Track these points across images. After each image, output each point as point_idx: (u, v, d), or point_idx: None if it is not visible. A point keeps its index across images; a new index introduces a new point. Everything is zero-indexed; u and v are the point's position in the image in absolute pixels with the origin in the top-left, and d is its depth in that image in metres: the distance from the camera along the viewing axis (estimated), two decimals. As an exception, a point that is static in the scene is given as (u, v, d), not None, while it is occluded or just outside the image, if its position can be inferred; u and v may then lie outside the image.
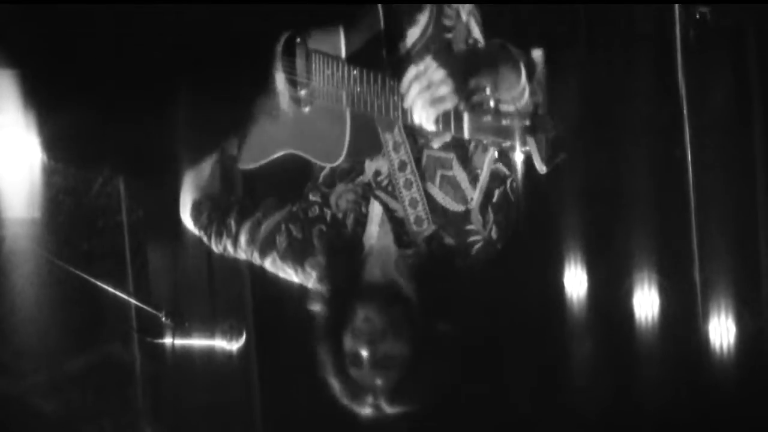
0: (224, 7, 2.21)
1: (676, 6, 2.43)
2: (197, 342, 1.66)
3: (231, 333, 1.76)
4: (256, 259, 1.79)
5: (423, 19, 1.91)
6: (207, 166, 2.00)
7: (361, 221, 1.78)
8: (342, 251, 1.74)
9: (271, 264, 1.78)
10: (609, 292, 1.74)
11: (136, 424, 1.59)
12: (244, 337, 1.77)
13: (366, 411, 1.59)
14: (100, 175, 2.27)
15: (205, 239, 1.86)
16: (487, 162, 1.62)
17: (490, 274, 1.68)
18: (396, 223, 1.74)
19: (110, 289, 1.73)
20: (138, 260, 1.94)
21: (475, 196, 1.66)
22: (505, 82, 1.60)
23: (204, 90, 2.24)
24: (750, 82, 2.46)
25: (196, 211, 1.90)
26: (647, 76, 2.59)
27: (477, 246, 1.67)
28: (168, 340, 1.72)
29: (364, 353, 1.59)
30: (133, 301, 1.73)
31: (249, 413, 1.86)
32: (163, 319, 1.71)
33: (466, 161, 1.72)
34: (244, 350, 1.67)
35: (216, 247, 1.83)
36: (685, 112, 2.31)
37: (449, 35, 1.89)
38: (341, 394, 1.60)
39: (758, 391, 1.72)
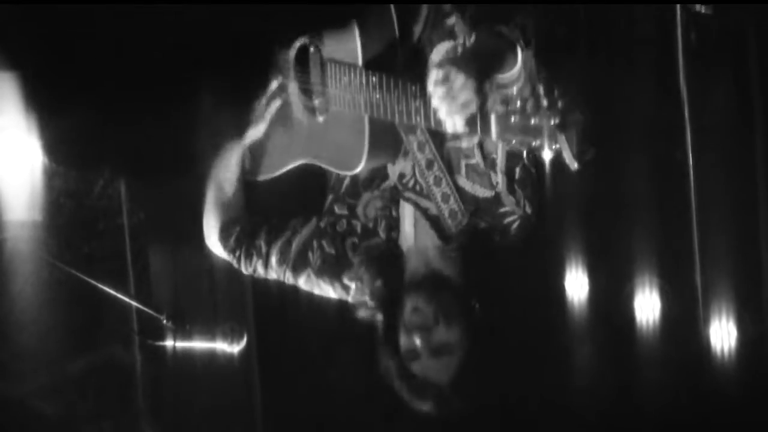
0: (230, 7, 2.21)
1: (678, 7, 2.43)
2: (198, 344, 1.66)
3: (232, 335, 1.76)
4: (288, 278, 1.80)
5: (424, 10, 1.92)
6: (229, 188, 1.99)
7: (394, 226, 1.79)
8: (382, 260, 1.75)
9: (305, 282, 1.79)
10: (612, 295, 1.72)
11: (136, 425, 1.60)
12: (245, 339, 1.77)
13: (432, 407, 1.61)
14: (100, 178, 2.27)
15: (234, 263, 1.86)
16: (500, 145, 1.63)
17: (530, 252, 1.71)
18: (431, 220, 1.76)
19: (111, 292, 1.73)
20: (139, 263, 1.93)
21: (498, 179, 1.67)
22: (507, 68, 1.61)
23: (206, 94, 2.25)
24: (752, 83, 2.47)
25: (224, 233, 1.90)
26: (648, 78, 2.60)
27: (515, 225, 1.69)
28: (169, 343, 1.72)
29: (420, 344, 1.60)
30: (134, 303, 1.73)
31: (249, 415, 1.86)
32: (164, 321, 1.71)
33: (481, 148, 1.74)
34: (245, 353, 1.66)
35: (246, 269, 1.84)
36: (686, 114, 2.32)
37: (450, 20, 1.89)
38: (407, 393, 1.62)
39: (759, 396, 1.71)
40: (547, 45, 1.71)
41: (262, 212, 1.96)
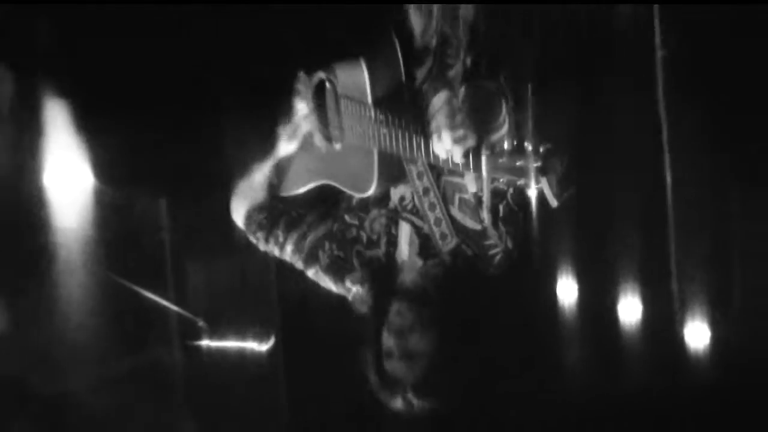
0: (261, 41, 2.25)
1: (657, 27, 2.45)
2: (231, 344, 1.72)
3: (261, 336, 1.82)
4: (299, 266, 1.89)
5: (429, 60, 2.01)
6: (258, 179, 2.06)
7: (393, 242, 1.88)
8: (379, 270, 1.83)
9: (313, 275, 1.87)
10: (597, 298, 1.76)
11: (177, 414, 1.64)
12: (272, 339, 1.82)
13: (398, 404, 1.65)
14: (143, 196, 2.33)
15: (254, 241, 1.95)
16: (485, 184, 1.69)
17: (509, 281, 1.73)
18: (423, 238, 1.84)
19: (154, 298, 1.81)
20: (178, 272, 2.02)
21: (485, 216, 1.73)
22: (495, 116, 1.71)
23: (238, 119, 2.29)
24: (726, 101, 2.46)
25: (249, 218, 1.99)
26: (626, 124, 2.62)
27: (498, 257, 1.77)
28: (205, 342, 1.79)
29: (395, 345, 1.68)
30: (174, 308, 1.85)
31: (277, 408, 1.87)
32: (200, 324, 1.78)
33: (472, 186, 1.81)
34: (273, 350, 1.74)
35: (263, 248, 1.93)
36: (664, 131, 2.34)
37: (451, 72, 1.98)
38: (378, 388, 1.68)
39: (730, 389, 1.72)
40: (532, 97, 1.79)
41: (284, 204, 2.02)
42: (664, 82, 2.55)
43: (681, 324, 1.67)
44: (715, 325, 1.60)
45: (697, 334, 1.64)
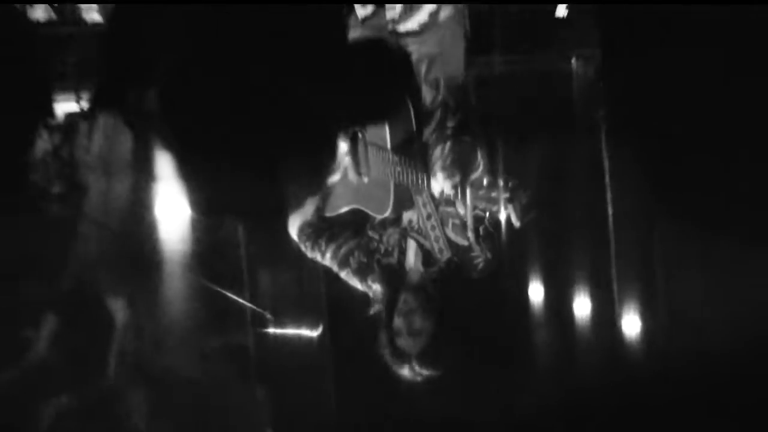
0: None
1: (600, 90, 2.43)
2: (289, 331, 1.73)
3: (312, 324, 1.82)
4: (335, 269, 1.92)
5: (434, 121, 2.06)
6: (310, 205, 2.10)
7: (403, 252, 1.92)
8: (393, 273, 1.87)
9: (345, 276, 1.90)
10: (552, 295, 1.74)
11: (250, 382, 1.60)
12: (321, 326, 1.82)
13: (405, 372, 1.68)
14: (226, 221, 2.33)
15: (303, 249, 1.97)
16: (468, 213, 1.73)
17: (487, 282, 1.73)
18: (425, 251, 1.90)
19: (233, 296, 1.82)
20: (252, 278, 2.04)
21: (470, 235, 1.80)
22: (474, 161, 1.74)
23: (300, 161, 2.29)
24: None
25: (301, 231, 2.02)
26: (577, 146, 2.59)
27: (480, 265, 1.82)
28: (271, 330, 1.78)
29: (403, 325, 1.74)
30: (248, 304, 1.89)
31: (324, 378, 1.86)
32: (268, 316, 1.78)
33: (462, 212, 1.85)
34: (321, 336, 1.72)
35: (310, 255, 1.94)
36: (606, 172, 2.32)
37: (448, 131, 2.04)
38: (390, 359, 1.70)
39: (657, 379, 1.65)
40: (503, 147, 1.82)
41: (326, 222, 2.04)
42: (606, 135, 2.54)
43: (617, 320, 1.63)
44: (645, 323, 1.57)
45: (630, 329, 1.60)
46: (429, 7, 5.05)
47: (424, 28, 5.27)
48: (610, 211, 2.01)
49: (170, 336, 1.68)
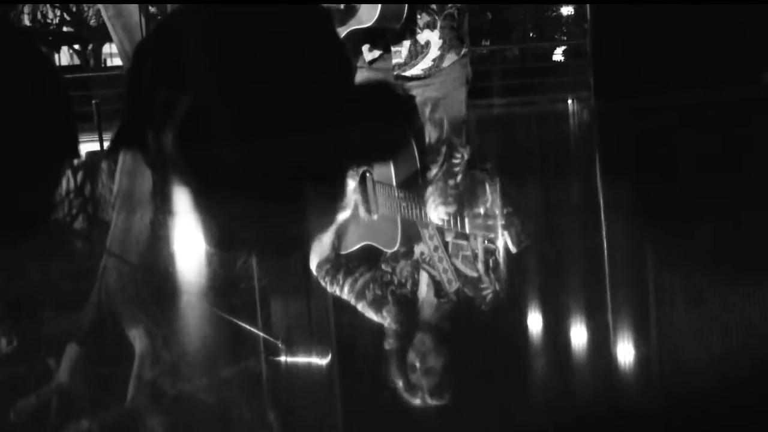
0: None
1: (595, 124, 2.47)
2: (299, 359, 1.74)
3: (321, 353, 1.83)
4: (352, 302, 1.91)
5: (440, 158, 2.13)
6: (326, 242, 2.17)
7: (416, 284, 1.91)
8: (408, 303, 1.85)
9: (361, 308, 1.88)
10: (555, 320, 1.70)
11: (261, 404, 1.61)
12: (330, 355, 1.83)
13: (416, 402, 1.58)
14: (241, 256, 2.39)
15: (322, 284, 2.00)
16: (479, 245, 1.75)
17: (496, 313, 1.75)
18: (436, 283, 1.90)
19: (247, 326, 1.82)
20: (265, 309, 2.00)
21: (479, 267, 1.78)
22: (481, 193, 1.78)
23: (312, 200, 2.34)
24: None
25: (319, 267, 2.06)
26: (572, 180, 2.62)
27: (489, 296, 1.80)
28: (282, 358, 1.79)
29: (417, 362, 1.64)
30: (261, 333, 1.81)
31: (332, 401, 1.82)
32: (279, 344, 1.80)
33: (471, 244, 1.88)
34: (330, 363, 1.73)
35: (329, 289, 1.97)
36: (601, 206, 2.35)
37: (456, 169, 2.10)
38: (402, 391, 1.58)
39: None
40: (502, 181, 1.85)
41: (343, 258, 2.09)
42: (600, 170, 2.58)
43: (612, 343, 1.62)
44: (637, 347, 1.56)
45: (624, 351, 1.59)
46: (432, 54, 5.18)
47: (427, 74, 5.44)
48: (605, 242, 2.01)
49: (187, 363, 1.63)
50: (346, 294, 1.94)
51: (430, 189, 1.92)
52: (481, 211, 1.73)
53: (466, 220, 1.75)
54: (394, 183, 2.05)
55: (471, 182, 1.97)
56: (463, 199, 1.84)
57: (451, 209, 1.80)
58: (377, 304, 1.87)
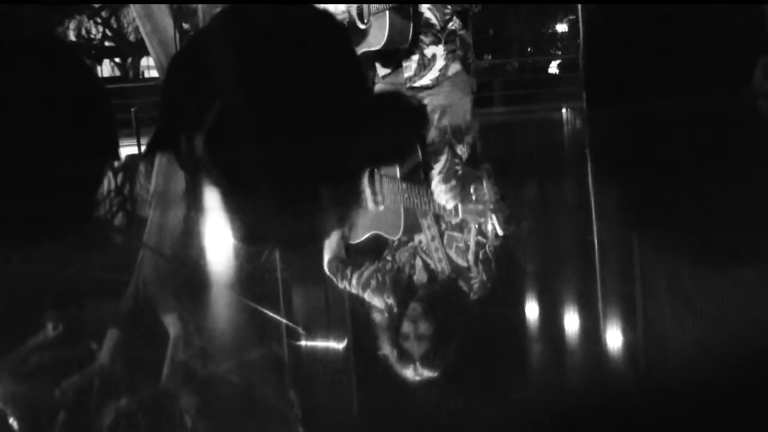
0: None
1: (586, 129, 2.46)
2: (318, 343, 1.74)
3: (339, 337, 1.83)
4: (360, 293, 1.91)
5: (442, 158, 2.14)
6: (336, 241, 2.18)
7: (413, 269, 1.92)
8: (405, 285, 1.85)
9: (368, 296, 1.88)
10: (540, 308, 1.66)
11: (281, 385, 1.60)
12: (345, 341, 1.82)
13: (408, 373, 1.51)
14: (264, 249, 2.37)
15: (332, 279, 1.99)
16: (472, 237, 1.76)
17: (482, 300, 1.74)
18: (431, 270, 1.90)
19: (271, 313, 1.79)
20: (286, 297, 2.00)
21: (470, 258, 1.77)
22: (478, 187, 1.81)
23: (328, 197, 2.35)
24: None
25: (330, 264, 2.07)
26: (564, 181, 2.60)
27: (476, 284, 1.81)
28: (303, 342, 1.79)
29: (410, 329, 1.64)
30: (283, 320, 1.79)
31: (349, 382, 1.81)
32: (300, 330, 1.80)
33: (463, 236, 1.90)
34: (346, 347, 1.72)
35: (339, 285, 1.95)
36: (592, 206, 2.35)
37: (458, 167, 2.11)
38: (395, 360, 1.57)
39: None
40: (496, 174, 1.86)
41: (351, 250, 2.10)
42: (592, 171, 2.57)
43: (602, 333, 1.59)
44: (624, 335, 1.53)
45: (612, 341, 1.56)
46: (438, 65, 5.21)
47: (435, 83, 5.47)
48: (596, 239, 1.99)
49: (216, 347, 1.62)
50: (354, 286, 1.94)
51: (434, 182, 1.97)
52: (473, 198, 1.77)
53: (460, 207, 1.80)
54: (398, 176, 2.10)
55: (474, 177, 2.02)
56: (461, 191, 1.89)
57: (454, 201, 1.83)
58: (380, 290, 1.88)
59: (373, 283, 1.91)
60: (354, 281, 1.97)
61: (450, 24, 5.40)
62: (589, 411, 1.06)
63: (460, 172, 2.05)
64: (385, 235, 2.11)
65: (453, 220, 1.90)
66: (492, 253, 1.86)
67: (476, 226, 1.76)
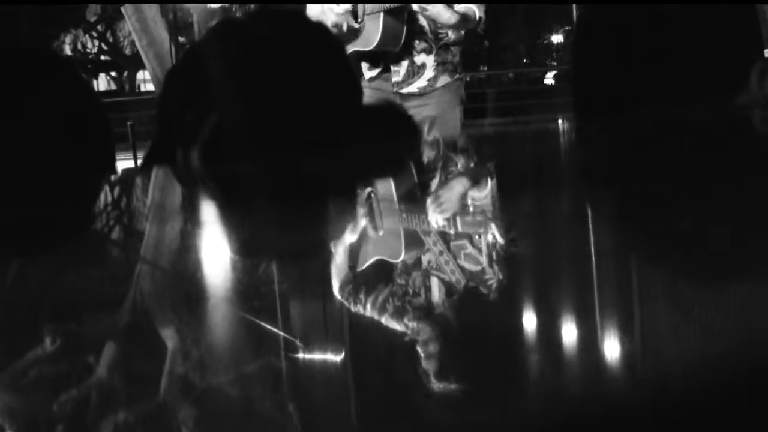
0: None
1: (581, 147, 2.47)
2: (316, 356, 1.74)
3: (336, 350, 1.83)
4: (375, 316, 1.87)
5: (437, 173, 2.14)
6: (341, 262, 2.15)
7: (429, 290, 1.92)
8: (422, 311, 1.82)
9: (385, 320, 1.85)
10: (546, 309, 1.70)
11: (278, 397, 1.60)
12: (343, 353, 1.82)
13: (426, 388, 1.62)
14: (263, 261, 2.39)
15: (346, 304, 1.96)
16: (483, 241, 1.77)
17: (499, 300, 1.76)
18: (446, 285, 1.91)
19: (268, 326, 1.81)
20: (284, 309, 1.99)
21: (483, 260, 1.77)
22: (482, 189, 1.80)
23: (327, 215, 2.35)
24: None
25: (341, 289, 2.03)
26: (560, 193, 2.62)
27: (494, 285, 1.84)
28: (300, 355, 1.79)
29: (423, 351, 1.62)
30: (281, 332, 1.80)
31: (346, 395, 1.81)
32: (298, 343, 1.80)
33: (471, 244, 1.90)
34: (343, 360, 1.73)
35: (353, 309, 1.92)
36: (589, 214, 2.36)
37: (453, 180, 2.12)
38: (414, 379, 1.63)
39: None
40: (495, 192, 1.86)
41: (360, 277, 2.07)
42: (588, 185, 2.58)
43: (599, 340, 1.60)
44: (622, 344, 1.54)
45: (611, 348, 1.57)
46: (427, 75, 5.21)
47: (422, 92, 5.46)
48: (592, 248, 2.00)
49: (214, 359, 1.63)
50: (369, 311, 1.91)
51: (429, 199, 1.97)
52: (471, 210, 1.78)
53: (458, 221, 1.81)
54: (395, 197, 2.09)
55: (468, 185, 2.04)
56: (458, 201, 1.91)
57: (447, 214, 1.85)
58: (398, 315, 1.84)
59: (390, 307, 1.87)
60: (369, 305, 1.93)
61: (444, 38, 5.39)
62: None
63: (460, 172, 2.07)
64: (388, 259, 2.09)
65: (453, 231, 1.91)
66: (504, 253, 1.86)
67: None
